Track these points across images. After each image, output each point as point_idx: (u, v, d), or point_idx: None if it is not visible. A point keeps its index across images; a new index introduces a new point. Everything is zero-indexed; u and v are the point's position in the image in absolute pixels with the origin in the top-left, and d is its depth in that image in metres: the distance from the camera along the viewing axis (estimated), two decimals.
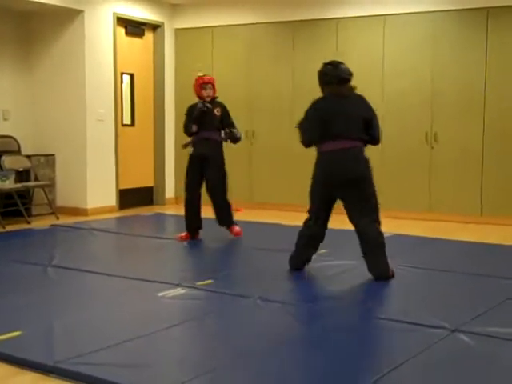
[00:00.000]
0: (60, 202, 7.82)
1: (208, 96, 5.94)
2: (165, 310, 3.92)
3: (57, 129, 7.82)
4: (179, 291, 4.20)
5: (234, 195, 8.46)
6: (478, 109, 7.16)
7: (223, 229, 6.04)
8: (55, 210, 7.53)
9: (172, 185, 8.88)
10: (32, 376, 2.90)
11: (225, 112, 6.01)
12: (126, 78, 8.43)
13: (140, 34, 8.52)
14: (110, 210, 7.94)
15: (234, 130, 5.94)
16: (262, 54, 8.31)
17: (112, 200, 8.05)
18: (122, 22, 8.15)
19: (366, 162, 4.53)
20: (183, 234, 5.95)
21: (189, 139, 6.01)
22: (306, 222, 4.71)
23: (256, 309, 3.84)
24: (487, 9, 7.04)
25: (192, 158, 5.97)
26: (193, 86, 6.04)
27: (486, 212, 7.18)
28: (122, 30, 8.21)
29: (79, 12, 7.56)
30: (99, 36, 7.79)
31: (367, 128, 4.53)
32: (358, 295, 4.20)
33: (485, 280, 4.57)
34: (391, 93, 7.56)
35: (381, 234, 4.50)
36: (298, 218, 7.54)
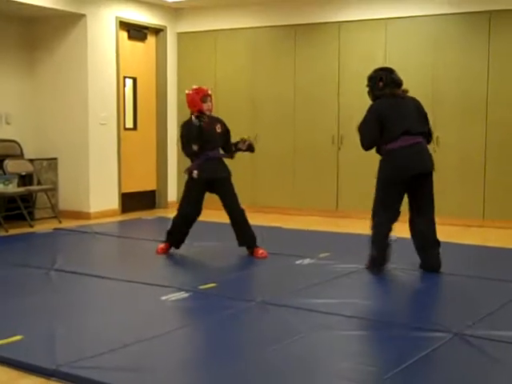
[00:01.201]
0: (63, 205, 7.83)
1: (208, 110, 5.39)
2: (167, 314, 3.92)
3: (59, 133, 7.83)
4: (182, 295, 4.19)
5: None
6: (480, 113, 7.15)
7: (226, 231, 5.88)
8: (58, 214, 7.54)
9: (174, 188, 8.88)
10: (34, 380, 2.90)
11: (225, 128, 5.53)
12: (129, 82, 8.45)
13: (142, 38, 8.53)
14: (112, 213, 7.95)
15: (246, 142, 5.48)
16: (265, 57, 8.32)
17: (114, 204, 8.06)
18: (124, 26, 8.17)
19: (432, 156, 4.87)
20: (163, 246, 5.59)
21: (189, 162, 5.54)
22: (379, 224, 4.81)
23: (259, 312, 3.84)
24: (489, 12, 7.04)
25: (196, 181, 5.41)
26: (188, 99, 5.41)
27: (488, 215, 7.17)
28: (124, 34, 8.23)
29: (81, 16, 7.58)
30: (102, 40, 7.81)
31: (427, 124, 4.86)
32: (361, 298, 4.19)
33: (487, 283, 4.57)
34: None
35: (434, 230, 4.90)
36: (300, 222, 7.58)
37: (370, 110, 4.78)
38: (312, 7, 7.98)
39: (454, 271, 4.87)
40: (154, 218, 7.99)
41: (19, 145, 7.63)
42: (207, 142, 5.32)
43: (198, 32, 8.69)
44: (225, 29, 8.49)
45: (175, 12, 8.80)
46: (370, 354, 3.23)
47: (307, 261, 5.23)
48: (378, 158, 7.60)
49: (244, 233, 5.47)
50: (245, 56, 8.44)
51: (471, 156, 7.23)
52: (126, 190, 8.24)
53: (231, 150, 5.57)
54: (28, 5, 7.05)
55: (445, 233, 6.68)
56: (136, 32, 8.38)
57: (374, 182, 7.63)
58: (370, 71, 7.61)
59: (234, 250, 5.61)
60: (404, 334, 3.44)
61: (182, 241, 5.60)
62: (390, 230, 4.84)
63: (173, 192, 8.87)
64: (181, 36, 8.84)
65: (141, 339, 3.34)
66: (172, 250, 5.60)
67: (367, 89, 4.88)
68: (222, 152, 5.54)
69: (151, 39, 8.70)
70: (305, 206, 8.10)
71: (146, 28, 8.53)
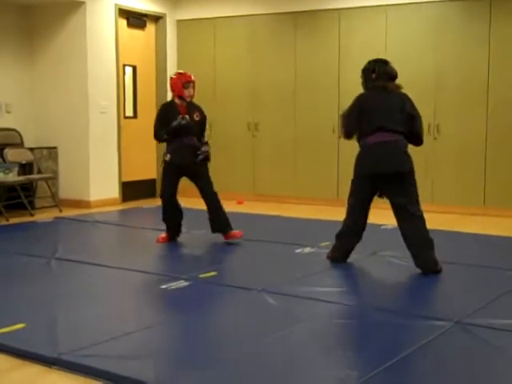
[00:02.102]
0: (63, 194, 7.83)
1: (190, 96, 5.39)
2: (168, 302, 3.93)
3: (59, 121, 7.82)
4: (182, 283, 4.20)
5: (235, 187, 8.50)
6: (481, 100, 7.13)
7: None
8: (58, 203, 7.54)
9: None
10: (36, 368, 2.92)
11: (203, 116, 5.55)
12: (129, 70, 8.42)
13: (142, 26, 8.50)
14: (112, 202, 7.95)
15: (206, 149, 5.45)
16: (264, 45, 8.28)
17: (115, 192, 8.06)
18: (123, 13, 8.13)
19: (409, 156, 4.51)
20: (163, 235, 5.61)
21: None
22: (347, 216, 4.69)
23: (259, 301, 3.85)
24: None
25: (170, 165, 5.44)
26: (170, 83, 5.46)
27: (488, 203, 7.17)
28: (123, 22, 8.19)
29: (81, 4, 7.54)
30: (101, 28, 7.77)
31: (411, 124, 4.50)
32: (362, 289, 4.20)
33: (488, 271, 4.57)
34: None
35: (426, 229, 4.49)
36: (300, 211, 7.58)
37: (355, 100, 4.62)
38: None
39: (454, 259, 4.87)
40: (154, 206, 7.98)
41: (19, 133, 7.61)
42: (184, 128, 5.33)
43: (197, 19, 8.65)
44: (224, 16, 8.45)
45: None
46: (370, 342, 3.24)
47: (307, 250, 5.23)
48: None
49: (217, 217, 5.49)
50: (244, 43, 8.40)
51: (472, 143, 7.22)
52: (126, 179, 8.23)
53: (202, 139, 5.54)
54: None
55: (445, 221, 6.70)
56: (135, 20, 8.34)
57: None
58: (370, 58, 7.62)
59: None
60: (404, 323, 3.45)
61: (179, 226, 5.63)
62: (352, 230, 4.66)
63: None
64: (180, 23, 8.79)
65: (141, 327, 3.35)
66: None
67: (361, 80, 4.71)
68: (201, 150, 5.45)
69: (151, 27, 8.66)
70: (305, 195, 8.09)
71: (146, 16, 8.49)
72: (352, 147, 7.89)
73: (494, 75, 7.06)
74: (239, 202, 8.01)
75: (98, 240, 6.10)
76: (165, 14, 8.65)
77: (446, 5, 7.26)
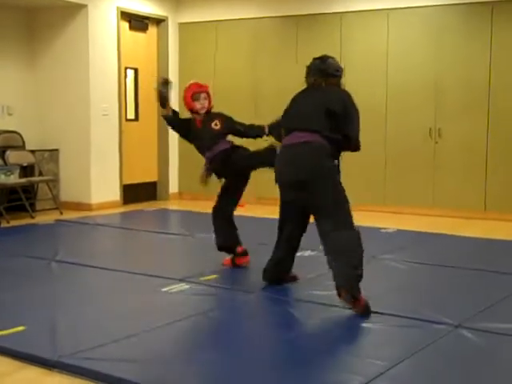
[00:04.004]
0: (64, 197, 7.84)
1: (203, 108, 4.75)
2: (168, 305, 3.93)
3: (61, 124, 7.82)
4: (183, 286, 4.20)
5: None
6: (482, 104, 7.13)
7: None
8: (59, 205, 7.55)
9: (176, 180, 8.88)
10: (36, 371, 2.92)
11: (227, 122, 4.82)
12: (130, 73, 8.43)
13: (144, 29, 8.51)
14: (113, 205, 7.95)
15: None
16: (266, 48, 8.29)
17: (116, 195, 8.06)
18: (125, 16, 8.14)
19: (324, 160, 3.76)
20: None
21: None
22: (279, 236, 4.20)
23: (259, 304, 3.85)
24: (492, 3, 7.01)
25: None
26: (183, 97, 4.87)
27: (489, 207, 7.17)
28: (125, 25, 8.21)
29: (83, 6, 7.56)
30: (103, 31, 7.79)
31: (343, 126, 3.83)
32: (362, 290, 4.19)
33: (488, 275, 4.57)
34: (395, 87, 7.54)
35: (348, 240, 3.69)
36: None
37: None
38: None
39: (454, 263, 4.87)
40: (155, 209, 7.99)
41: (21, 136, 7.62)
42: (203, 141, 4.77)
43: (199, 22, 8.66)
44: (226, 19, 8.46)
45: (176, 2, 8.77)
46: (371, 346, 3.24)
47: (308, 253, 5.22)
48: (376, 149, 7.63)
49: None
50: (246, 47, 8.41)
51: (473, 148, 7.21)
52: (127, 182, 8.23)
53: (249, 133, 4.87)
54: None
55: (446, 225, 6.70)
56: (137, 22, 8.36)
57: (371, 174, 7.65)
58: (372, 62, 7.68)
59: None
60: (405, 327, 3.44)
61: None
62: (283, 243, 4.14)
63: (174, 183, 8.87)
64: (182, 26, 8.81)
65: (142, 330, 3.35)
66: (175, 241, 5.59)
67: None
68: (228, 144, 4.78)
69: (152, 30, 8.67)
70: None
71: (148, 18, 8.50)
72: None
73: (495, 79, 7.06)
74: (240, 205, 8.00)
75: (99, 242, 6.10)
76: (167, 17, 8.66)
77: (448, 9, 7.27)
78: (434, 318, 3.53)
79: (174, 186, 8.85)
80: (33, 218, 7.07)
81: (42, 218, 7.07)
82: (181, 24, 8.81)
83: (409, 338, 3.32)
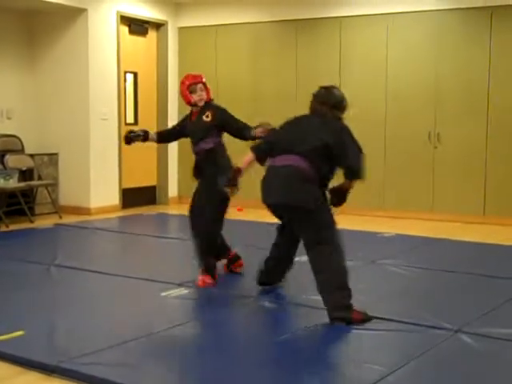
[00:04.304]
0: (63, 201, 7.83)
1: (201, 99, 4.46)
2: (167, 310, 3.92)
3: (60, 128, 7.82)
4: (182, 291, 4.20)
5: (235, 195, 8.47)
6: (481, 108, 7.14)
7: (225, 227, 5.67)
8: (58, 209, 7.54)
9: (175, 184, 8.88)
10: (35, 376, 2.91)
11: (220, 114, 4.49)
12: (130, 77, 8.43)
13: (143, 33, 8.52)
14: (113, 209, 7.95)
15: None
16: (266, 52, 8.30)
17: (115, 199, 8.05)
18: (125, 20, 8.15)
19: (305, 187, 3.71)
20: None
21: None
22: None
23: (259, 308, 3.84)
24: (491, 8, 7.02)
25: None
26: (179, 92, 4.67)
27: (488, 212, 7.17)
28: (125, 29, 8.22)
29: (83, 10, 7.57)
30: (103, 34, 7.79)
31: (336, 157, 3.76)
32: (360, 295, 4.19)
33: (488, 280, 4.57)
34: (394, 91, 7.55)
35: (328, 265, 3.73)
36: None
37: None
38: (313, 2, 7.96)
39: (454, 268, 4.87)
40: (154, 213, 7.99)
41: (20, 140, 7.62)
42: (191, 136, 4.58)
43: (199, 27, 8.67)
44: (226, 24, 8.47)
45: (176, 6, 8.78)
46: (369, 351, 3.23)
47: (306, 257, 5.22)
48: (375, 154, 7.63)
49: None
50: (246, 51, 8.42)
51: (472, 152, 7.22)
52: (126, 186, 8.23)
53: (243, 132, 4.50)
54: None
55: (445, 229, 6.71)
56: (137, 26, 8.37)
57: (370, 178, 7.63)
58: (371, 66, 7.68)
59: (233, 246, 5.61)
60: (405, 332, 3.44)
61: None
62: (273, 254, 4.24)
63: (173, 188, 8.87)
64: (182, 31, 8.82)
65: (141, 335, 3.35)
66: (174, 246, 5.57)
67: None
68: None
69: (152, 34, 8.68)
70: None
71: (147, 23, 8.51)
72: None
73: (494, 84, 7.08)
74: (239, 209, 8.01)
75: (98, 247, 6.10)
76: (166, 22, 8.68)
77: (447, 13, 7.28)
78: (434, 322, 3.53)
79: (173, 191, 8.85)
80: (32, 222, 7.06)
81: (41, 223, 7.07)
82: (180, 28, 8.82)
83: (408, 343, 3.31)
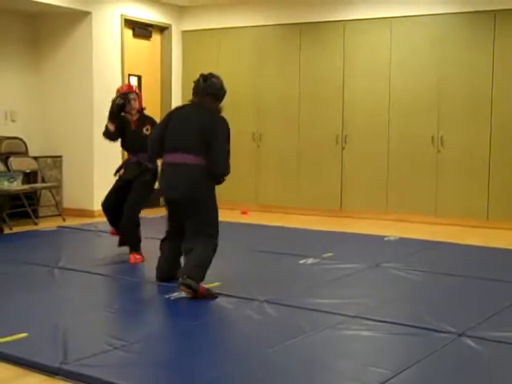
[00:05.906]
0: (67, 203, 7.84)
1: (133, 109, 5.21)
2: (171, 312, 3.92)
3: (64, 130, 7.84)
4: (182, 294, 4.19)
5: (240, 197, 8.50)
6: (484, 112, 7.14)
7: (228, 230, 5.75)
8: (62, 212, 7.55)
9: None
10: (38, 378, 2.91)
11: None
12: (134, 80, 8.45)
13: (147, 36, 8.54)
14: None
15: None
16: (269, 56, 8.31)
17: None
18: (129, 23, 8.17)
19: (199, 182, 4.11)
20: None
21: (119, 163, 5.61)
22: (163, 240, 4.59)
23: (261, 312, 3.84)
24: (494, 12, 7.03)
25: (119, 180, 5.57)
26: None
27: (492, 216, 7.16)
28: (129, 32, 8.24)
29: (87, 14, 7.59)
30: (107, 38, 7.81)
31: (209, 149, 4.06)
32: (364, 298, 4.19)
33: (491, 284, 4.56)
34: (398, 95, 7.55)
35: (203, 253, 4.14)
36: (303, 221, 7.58)
37: (168, 113, 4.37)
38: (317, 6, 7.97)
39: (457, 272, 4.86)
40: (156, 216, 7.98)
41: (24, 142, 7.64)
42: (133, 145, 5.22)
43: (202, 30, 8.69)
44: (229, 27, 8.49)
45: (180, 10, 8.80)
46: (373, 354, 3.23)
47: (310, 260, 5.23)
48: (378, 157, 7.64)
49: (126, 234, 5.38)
50: (249, 54, 8.43)
51: (476, 156, 7.21)
52: None
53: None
54: (34, 2, 7.06)
55: (448, 233, 6.70)
56: (141, 30, 8.39)
57: (374, 181, 7.66)
58: (374, 70, 7.69)
59: (237, 249, 5.61)
60: (408, 335, 3.43)
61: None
62: (169, 249, 4.44)
63: None
64: (186, 34, 8.84)
65: (144, 337, 3.35)
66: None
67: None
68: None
69: (156, 37, 8.70)
70: (308, 206, 8.09)
71: (151, 26, 8.53)
72: (356, 158, 7.95)
73: (497, 87, 7.07)
74: (243, 213, 8.02)
75: (101, 249, 6.10)
76: (170, 25, 8.70)
77: (451, 17, 7.29)
78: (437, 326, 3.52)
79: None
80: (36, 224, 7.07)
81: (44, 225, 7.08)
82: (184, 32, 8.84)
83: (412, 346, 3.31)
